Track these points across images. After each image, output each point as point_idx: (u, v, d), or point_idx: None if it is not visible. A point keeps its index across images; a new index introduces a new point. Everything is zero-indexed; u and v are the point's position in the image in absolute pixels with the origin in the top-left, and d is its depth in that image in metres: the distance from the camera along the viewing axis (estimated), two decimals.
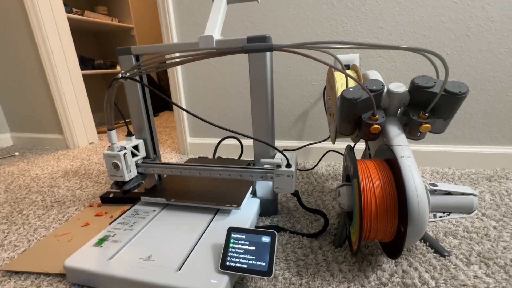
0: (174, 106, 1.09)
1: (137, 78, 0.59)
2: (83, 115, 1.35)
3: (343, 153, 0.91)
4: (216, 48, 0.35)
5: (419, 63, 0.82)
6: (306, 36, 0.88)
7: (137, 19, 2.04)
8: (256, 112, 0.56)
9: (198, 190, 0.63)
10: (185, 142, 1.12)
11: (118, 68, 1.79)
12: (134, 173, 0.62)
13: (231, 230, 0.43)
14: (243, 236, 0.42)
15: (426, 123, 0.42)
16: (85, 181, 0.91)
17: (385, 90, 0.45)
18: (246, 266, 0.39)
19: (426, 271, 0.44)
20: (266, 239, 0.41)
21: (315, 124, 0.95)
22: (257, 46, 0.34)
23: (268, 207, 0.62)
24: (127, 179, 0.59)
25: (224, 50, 0.34)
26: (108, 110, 0.54)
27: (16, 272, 0.49)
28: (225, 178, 0.68)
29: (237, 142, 1.04)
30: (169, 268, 0.41)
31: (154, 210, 0.59)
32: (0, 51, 1.29)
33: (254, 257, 0.39)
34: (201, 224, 0.53)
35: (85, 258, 0.45)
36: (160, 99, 2.41)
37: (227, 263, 0.40)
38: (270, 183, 0.63)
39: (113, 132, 0.57)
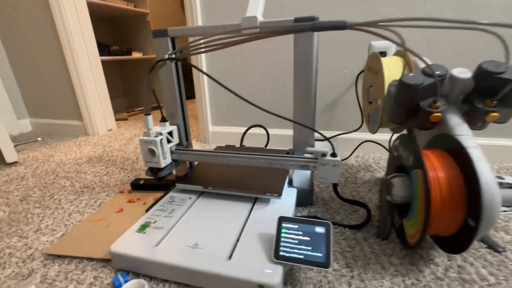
0: (196, 94, 1.07)
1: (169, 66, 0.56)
2: (102, 101, 1.35)
3: (380, 143, 0.88)
4: (283, 27, 0.33)
5: (458, 51, 0.77)
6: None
7: (152, 4, 2.00)
8: (299, 97, 0.54)
9: (232, 178, 0.61)
10: (207, 131, 1.10)
11: (134, 55, 1.76)
12: (168, 159, 0.60)
13: (282, 219, 0.42)
14: (296, 226, 0.41)
15: (493, 111, 0.40)
16: (110, 167, 0.91)
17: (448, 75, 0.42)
18: (302, 256, 0.38)
19: (483, 267, 0.42)
20: (320, 229, 0.40)
21: (343, 113, 0.93)
22: (328, 23, 0.31)
23: (304, 197, 0.61)
24: (162, 165, 0.58)
25: (290, 29, 0.32)
26: (147, 94, 0.52)
27: (59, 256, 0.49)
28: (257, 167, 0.66)
29: (260, 131, 1.02)
30: (219, 257, 0.40)
31: (190, 198, 0.58)
32: (19, 35, 1.28)
33: (309, 248, 0.38)
34: (242, 212, 0.52)
35: (131, 244, 0.44)
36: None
37: (281, 253, 0.38)
38: (308, 172, 0.61)
39: (150, 117, 0.56)
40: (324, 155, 0.50)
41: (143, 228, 0.48)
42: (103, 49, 1.62)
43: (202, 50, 0.45)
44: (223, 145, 1.02)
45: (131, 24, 1.90)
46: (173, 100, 0.62)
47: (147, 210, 0.58)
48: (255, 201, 0.56)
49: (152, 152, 0.57)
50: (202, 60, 1.00)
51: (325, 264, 0.36)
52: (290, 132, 0.99)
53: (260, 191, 0.55)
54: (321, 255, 0.37)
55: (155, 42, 0.58)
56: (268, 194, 0.53)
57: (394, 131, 0.62)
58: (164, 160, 0.59)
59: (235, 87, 1.01)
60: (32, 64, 1.31)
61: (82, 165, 0.94)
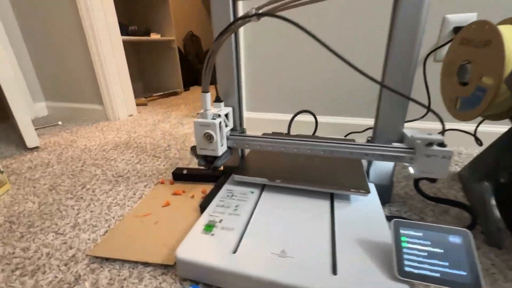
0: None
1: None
2: (123, 85, 1.25)
3: (468, 132, 0.77)
4: None
5: None
6: None
7: None
8: (395, 66, 0.44)
9: (298, 170, 0.52)
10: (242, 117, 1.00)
11: (152, 36, 1.65)
12: (225, 146, 0.51)
13: (399, 224, 0.33)
14: (420, 234, 0.32)
15: None
16: (141, 155, 0.82)
17: None
18: (437, 274, 0.29)
19: None
20: (456, 239, 0.31)
21: None
22: None
23: (382, 194, 0.52)
24: (219, 153, 0.49)
25: None
26: (209, 65, 0.43)
27: (107, 259, 0.41)
28: (320, 156, 0.57)
29: (301, 118, 0.92)
30: (321, 270, 0.32)
31: (252, 192, 0.49)
32: (36, 13, 1.17)
33: (446, 263, 0.29)
34: (322, 211, 0.43)
35: (201, 249, 0.36)
36: (192, 73, 2.28)
37: (406, 268, 0.30)
38: (388, 165, 0.51)
39: (208, 96, 0.46)
40: (430, 144, 0.41)
41: (209, 228, 0.40)
42: (121, 29, 1.52)
43: (293, 4, 0.35)
44: (264, 132, 0.93)
45: (147, 4, 1.78)
46: (229, 77, 0.53)
47: (202, 206, 0.50)
48: (331, 197, 0.47)
49: (209, 138, 0.48)
50: (239, 39, 0.90)
51: (472, 286, 0.28)
52: (337, 120, 0.90)
53: (342, 186, 0.46)
54: (464, 273, 0.28)
55: (212, 2, 0.48)
56: (353, 190, 0.44)
57: (492, 118, 0.52)
58: (221, 147, 0.50)
59: (275, 68, 0.91)
60: (49, 43, 1.22)
61: (109, 152, 0.85)
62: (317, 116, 0.91)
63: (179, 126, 1.11)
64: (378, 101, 0.48)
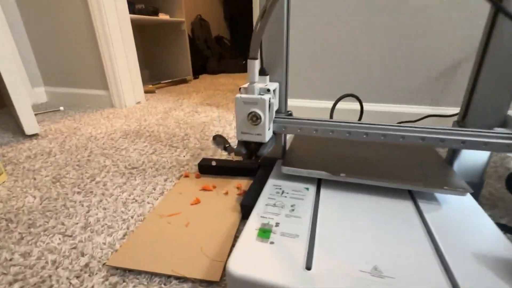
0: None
1: None
2: (131, 69, 1.15)
3: None
4: None
5: None
6: None
7: None
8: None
9: (361, 162, 0.43)
10: None
11: (161, 16, 1.53)
12: (271, 131, 0.42)
13: None
14: None
15: None
16: (155, 144, 0.73)
17: None
18: None
19: None
20: None
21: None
22: None
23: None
24: (267, 139, 0.40)
25: None
26: (261, 26, 0.33)
27: (130, 270, 0.32)
28: (384, 145, 0.47)
29: (341, 106, 0.82)
30: None
31: (307, 188, 0.40)
32: None
33: None
34: (408, 215, 0.33)
35: (260, 262, 0.27)
36: (200, 60, 2.17)
37: None
38: (482, 158, 0.41)
39: (257, 63, 0.36)
40: None
41: (265, 234, 0.30)
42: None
43: None
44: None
45: None
46: (278, 47, 0.43)
47: (244, 204, 0.40)
48: (412, 197, 0.37)
49: (255, 119, 0.38)
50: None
51: None
52: (382, 107, 0.80)
53: (429, 183, 0.36)
54: None
55: None
56: (447, 188, 0.35)
57: None
58: (268, 131, 0.40)
59: (316, 55, 0.81)
60: (49, 21, 1.10)
61: (119, 141, 0.76)
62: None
63: (194, 114, 1.01)
64: (474, 72, 0.38)
